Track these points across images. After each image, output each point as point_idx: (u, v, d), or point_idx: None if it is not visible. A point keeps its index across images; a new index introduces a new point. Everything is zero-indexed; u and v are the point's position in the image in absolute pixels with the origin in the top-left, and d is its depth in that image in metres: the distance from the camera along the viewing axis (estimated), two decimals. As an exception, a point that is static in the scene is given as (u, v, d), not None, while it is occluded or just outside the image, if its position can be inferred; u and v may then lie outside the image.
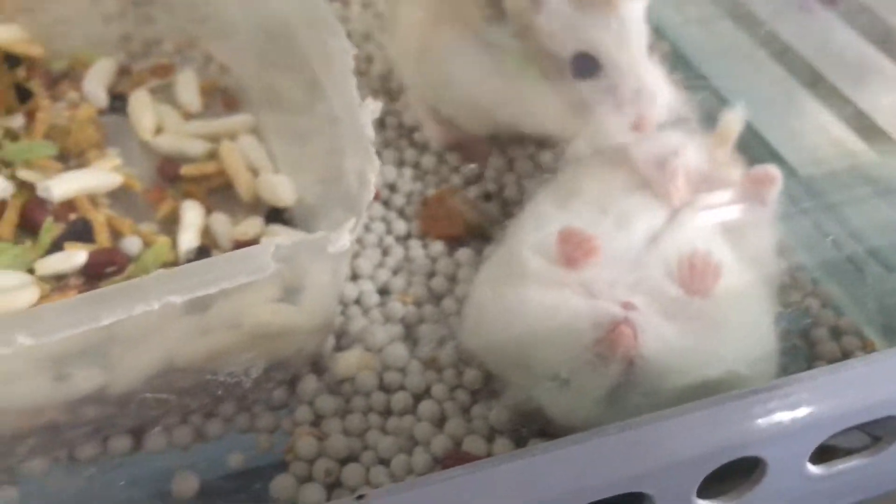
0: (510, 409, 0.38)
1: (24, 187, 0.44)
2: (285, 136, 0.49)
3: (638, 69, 0.41)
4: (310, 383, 0.39)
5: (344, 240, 0.33)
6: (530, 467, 0.30)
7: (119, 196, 0.46)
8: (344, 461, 0.37)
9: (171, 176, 0.47)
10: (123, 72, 0.54)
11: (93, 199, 0.44)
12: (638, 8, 0.42)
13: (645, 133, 0.42)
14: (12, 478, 0.36)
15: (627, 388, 0.35)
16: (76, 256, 0.40)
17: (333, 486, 0.37)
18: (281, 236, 0.32)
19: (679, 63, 0.56)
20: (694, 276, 0.37)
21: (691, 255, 0.37)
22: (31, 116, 0.48)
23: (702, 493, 0.34)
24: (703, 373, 0.36)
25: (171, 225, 0.45)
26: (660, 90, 0.41)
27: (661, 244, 0.39)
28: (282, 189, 0.45)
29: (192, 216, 0.44)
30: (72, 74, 0.52)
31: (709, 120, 0.51)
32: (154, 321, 0.33)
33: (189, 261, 0.42)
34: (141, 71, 0.54)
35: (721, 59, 0.56)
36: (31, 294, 0.38)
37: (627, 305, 0.35)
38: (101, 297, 0.29)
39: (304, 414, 0.38)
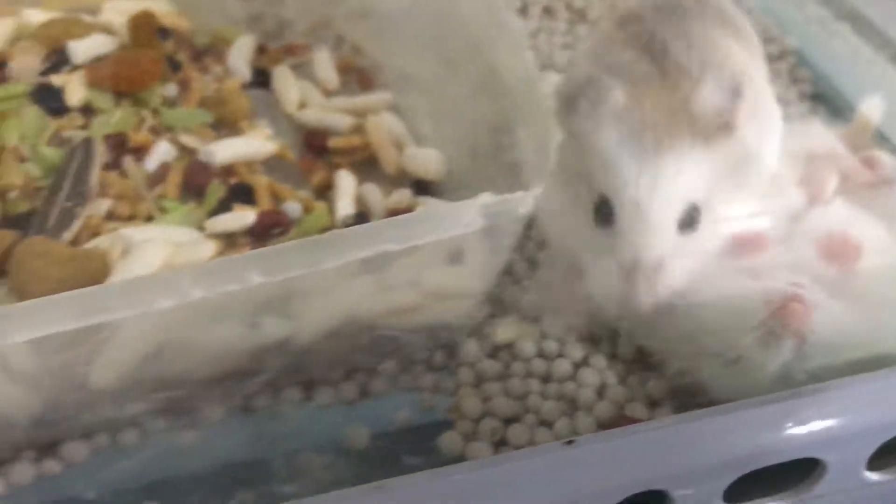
0: (669, 381, 0.39)
1: (185, 151, 0.46)
2: (423, 114, 0.51)
3: (646, 237, 0.34)
4: (472, 347, 0.40)
5: (530, 203, 0.34)
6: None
7: (271, 165, 0.47)
8: (507, 422, 0.38)
9: (317, 148, 0.49)
10: (259, 50, 0.55)
11: (249, 165, 0.46)
12: (690, 166, 0.34)
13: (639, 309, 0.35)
14: (193, 422, 0.37)
15: (794, 365, 0.36)
16: (246, 216, 0.42)
17: (499, 444, 0.38)
18: (479, 199, 0.32)
19: (802, 62, 0.57)
20: (834, 255, 0.38)
21: (829, 235, 0.38)
22: (183, 86, 0.50)
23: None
24: (866, 350, 0.37)
25: (322, 194, 0.46)
26: (667, 271, 0.34)
27: (809, 225, 0.40)
28: (431, 162, 0.46)
29: (346, 184, 0.45)
30: (214, 50, 0.54)
31: (833, 118, 0.53)
32: (339, 276, 0.34)
33: (347, 226, 0.43)
34: (276, 49, 0.55)
35: (841, 59, 0.57)
36: (209, 248, 0.39)
37: (795, 284, 0.36)
38: (320, 243, 0.31)
39: (467, 375, 0.39)
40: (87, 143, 0.42)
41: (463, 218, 0.31)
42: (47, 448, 0.36)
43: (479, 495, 0.28)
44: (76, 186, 0.41)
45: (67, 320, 0.29)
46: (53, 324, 0.28)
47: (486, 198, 0.32)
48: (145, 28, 0.49)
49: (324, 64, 0.54)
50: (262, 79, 0.53)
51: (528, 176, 0.36)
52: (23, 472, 0.35)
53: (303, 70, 0.54)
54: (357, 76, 0.54)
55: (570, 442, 0.29)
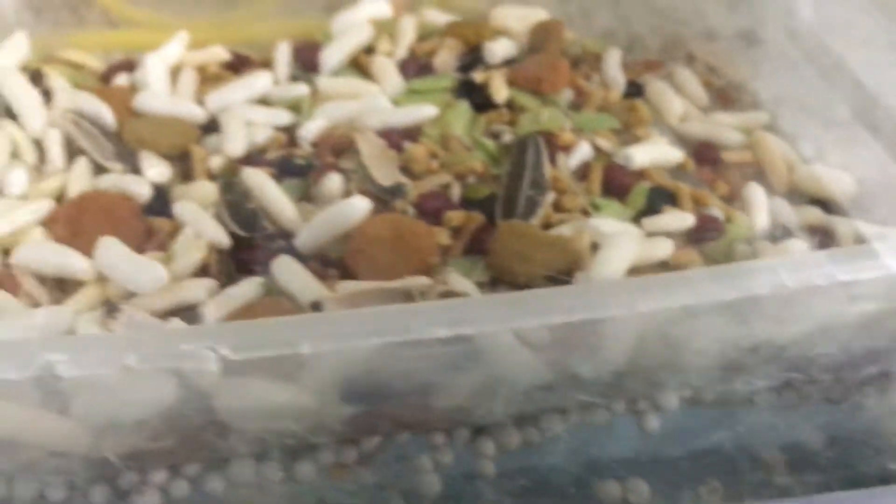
0: None
1: (600, 153, 0.48)
2: (801, 133, 0.52)
3: None
4: None
5: None
6: None
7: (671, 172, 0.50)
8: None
9: (707, 160, 0.50)
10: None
11: (657, 171, 0.48)
12: None
13: None
14: (655, 407, 0.40)
15: None
16: (686, 218, 0.43)
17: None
18: None
19: None
20: None
21: None
22: (577, 92, 0.52)
23: None
24: None
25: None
26: None
27: None
28: (840, 182, 0.47)
29: (760, 197, 0.46)
30: (584, 60, 0.57)
31: None
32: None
33: (767, 238, 0.45)
34: (635, 64, 0.58)
35: None
36: (668, 247, 0.42)
37: None
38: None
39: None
40: (535, 138, 0.45)
41: None
42: (527, 419, 0.39)
43: None
44: (535, 176, 0.43)
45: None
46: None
47: None
48: (554, 35, 0.52)
49: (689, 81, 0.56)
50: (633, 90, 0.55)
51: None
52: (510, 436, 0.38)
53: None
54: (716, 94, 0.56)
55: None
